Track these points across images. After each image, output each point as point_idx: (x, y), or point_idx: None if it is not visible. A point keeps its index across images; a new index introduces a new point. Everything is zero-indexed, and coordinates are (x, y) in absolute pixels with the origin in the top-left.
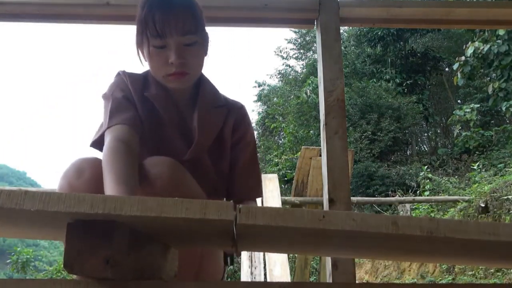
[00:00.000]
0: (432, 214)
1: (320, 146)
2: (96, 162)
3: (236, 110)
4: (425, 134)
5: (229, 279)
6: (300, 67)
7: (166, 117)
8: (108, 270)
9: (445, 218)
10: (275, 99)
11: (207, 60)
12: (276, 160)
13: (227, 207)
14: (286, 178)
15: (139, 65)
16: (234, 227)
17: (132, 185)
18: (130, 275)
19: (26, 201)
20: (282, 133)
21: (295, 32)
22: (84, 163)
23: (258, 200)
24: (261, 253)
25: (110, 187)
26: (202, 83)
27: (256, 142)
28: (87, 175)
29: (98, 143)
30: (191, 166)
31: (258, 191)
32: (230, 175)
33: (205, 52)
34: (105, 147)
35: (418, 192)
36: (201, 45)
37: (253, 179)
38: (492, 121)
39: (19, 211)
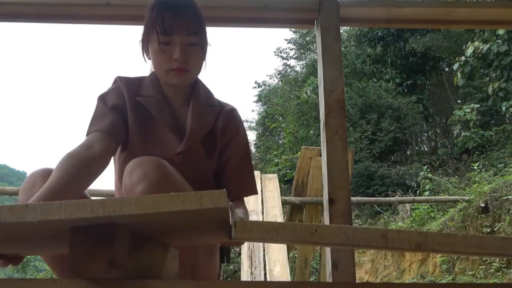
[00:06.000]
0: (432, 214)
1: (320, 146)
2: (48, 173)
3: (227, 111)
4: (425, 134)
5: (229, 279)
6: (300, 67)
7: (159, 117)
8: (112, 271)
9: (433, 232)
10: (275, 99)
11: (206, 63)
12: (276, 160)
13: (221, 195)
14: (286, 178)
15: (138, 66)
16: (230, 219)
17: (60, 189)
18: (133, 275)
19: (28, 213)
20: (282, 133)
21: (295, 32)
22: (36, 174)
23: (258, 199)
24: (261, 253)
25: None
26: (197, 85)
27: (256, 142)
28: (38, 186)
29: None
30: (185, 157)
31: (252, 189)
32: (224, 173)
33: (204, 56)
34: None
35: (418, 192)
36: (202, 47)
37: (246, 176)
38: (492, 121)
39: (22, 224)
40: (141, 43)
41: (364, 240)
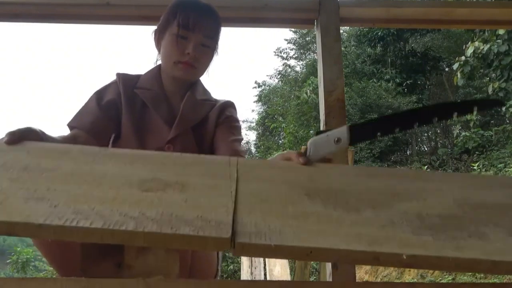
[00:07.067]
0: None
1: None
2: None
3: (223, 102)
4: (425, 134)
5: (229, 279)
6: (300, 67)
7: (155, 109)
8: (120, 273)
9: (424, 255)
10: (275, 99)
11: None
12: None
13: (224, 242)
14: None
15: (137, 66)
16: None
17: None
18: (139, 276)
19: (42, 232)
20: (282, 133)
21: (295, 32)
22: None
23: None
24: None
25: None
26: (195, 83)
27: (256, 142)
28: None
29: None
30: (176, 146)
31: (239, 152)
32: (215, 143)
33: (211, 60)
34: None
35: None
36: (212, 52)
37: (233, 137)
38: (492, 121)
39: None
40: (155, 33)
41: (357, 261)
